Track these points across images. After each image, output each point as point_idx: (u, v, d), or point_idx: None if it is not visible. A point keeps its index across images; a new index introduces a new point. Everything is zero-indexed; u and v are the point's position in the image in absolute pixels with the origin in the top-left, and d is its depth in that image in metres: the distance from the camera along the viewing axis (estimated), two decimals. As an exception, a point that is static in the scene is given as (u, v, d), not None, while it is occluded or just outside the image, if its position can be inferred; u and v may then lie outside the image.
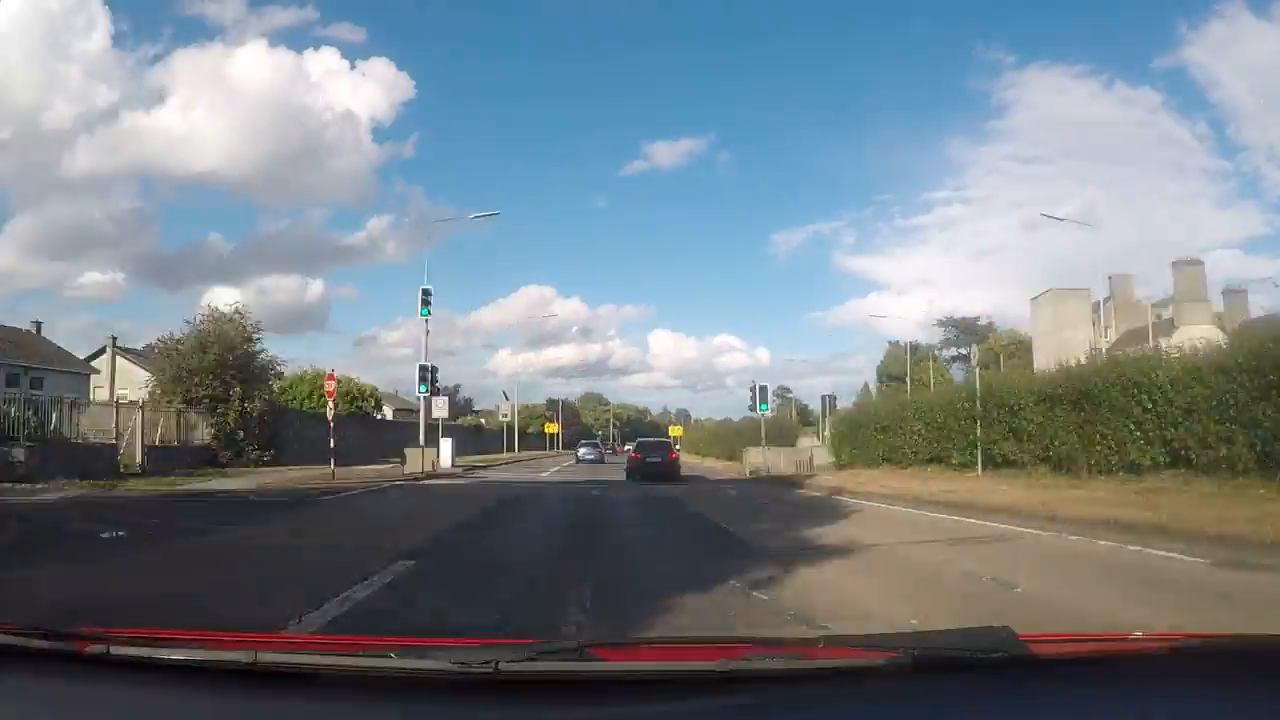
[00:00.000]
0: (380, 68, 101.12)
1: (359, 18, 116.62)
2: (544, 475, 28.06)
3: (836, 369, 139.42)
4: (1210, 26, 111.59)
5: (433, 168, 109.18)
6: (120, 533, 9.36)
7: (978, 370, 22.72)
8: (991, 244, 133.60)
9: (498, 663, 1.38)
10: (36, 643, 1.65)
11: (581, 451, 47.01)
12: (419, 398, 28.16)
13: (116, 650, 1.57)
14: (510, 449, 54.52)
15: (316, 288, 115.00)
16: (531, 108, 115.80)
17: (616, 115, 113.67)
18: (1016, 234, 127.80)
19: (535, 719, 1.37)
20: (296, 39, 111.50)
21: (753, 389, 40.64)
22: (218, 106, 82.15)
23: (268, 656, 1.52)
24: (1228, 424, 12.76)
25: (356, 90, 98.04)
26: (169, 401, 26.22)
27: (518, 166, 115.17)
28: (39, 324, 37.61)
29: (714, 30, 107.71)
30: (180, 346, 27.72)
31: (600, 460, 43.48)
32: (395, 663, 1.49)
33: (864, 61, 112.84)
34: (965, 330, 75.65)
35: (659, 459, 25.24)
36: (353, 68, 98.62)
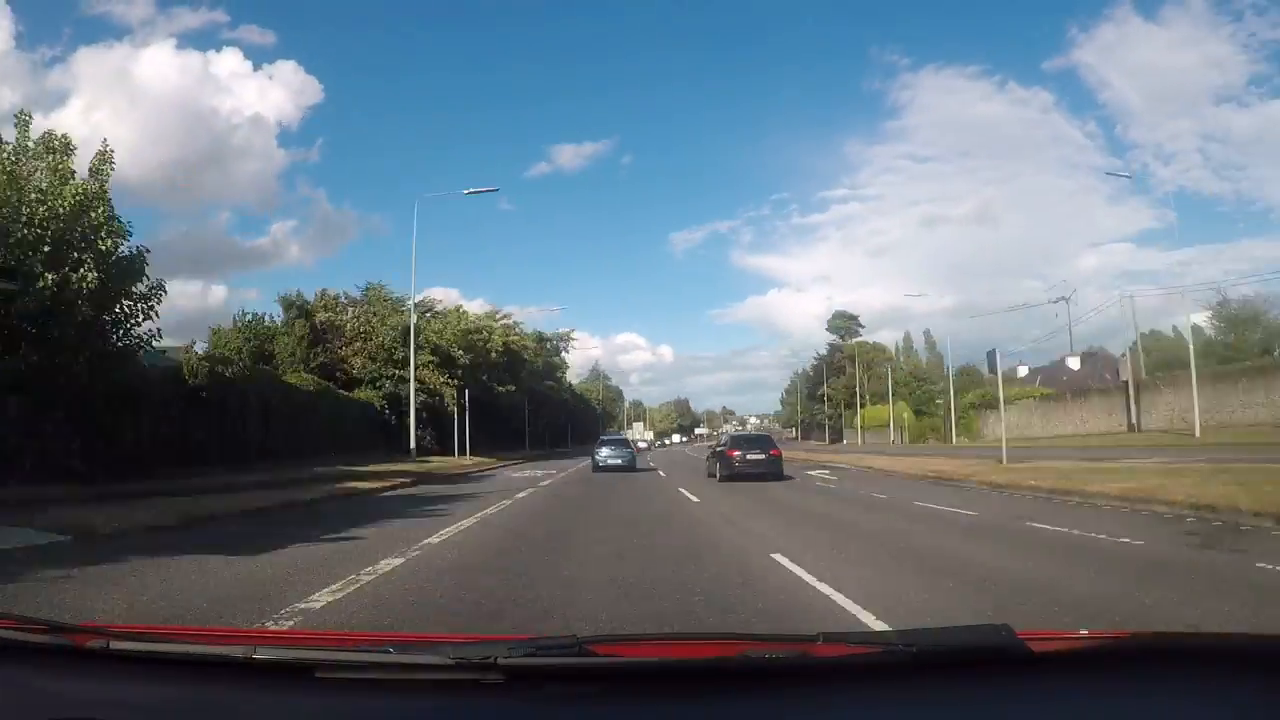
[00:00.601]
0: (288, 71, 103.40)
1: (267, 21, 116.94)
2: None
3: (738, 365, 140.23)
4: (1100, 29, 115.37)
5: (337, 172, 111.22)
6: None
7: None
8: (889, 241, 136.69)
9: (495, 658, 1.38)
10: (36, 637, 1.65)
11: (603, 454, 28.51)
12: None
13: (116, 645, 1.57)
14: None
15: (219, 293, 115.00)
16: (438, 112, 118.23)
17: (521, 120, 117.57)
18: (914, 231, 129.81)
19: (533, 714, 1.37)
20: (204, 41, 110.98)
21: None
22: (119, 109, 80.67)
23: (265, 651, 1.52)
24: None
25: (264, 94, 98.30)
26: None
27: (423, 170, 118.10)
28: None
29: (617, 36, 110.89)
30: None
31: (631, 465, 28.19)
32: (393, 657, 1.49)
33: (762, 64, 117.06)
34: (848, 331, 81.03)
35: (761, 455, 20.52)
36: (257, 69, 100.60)
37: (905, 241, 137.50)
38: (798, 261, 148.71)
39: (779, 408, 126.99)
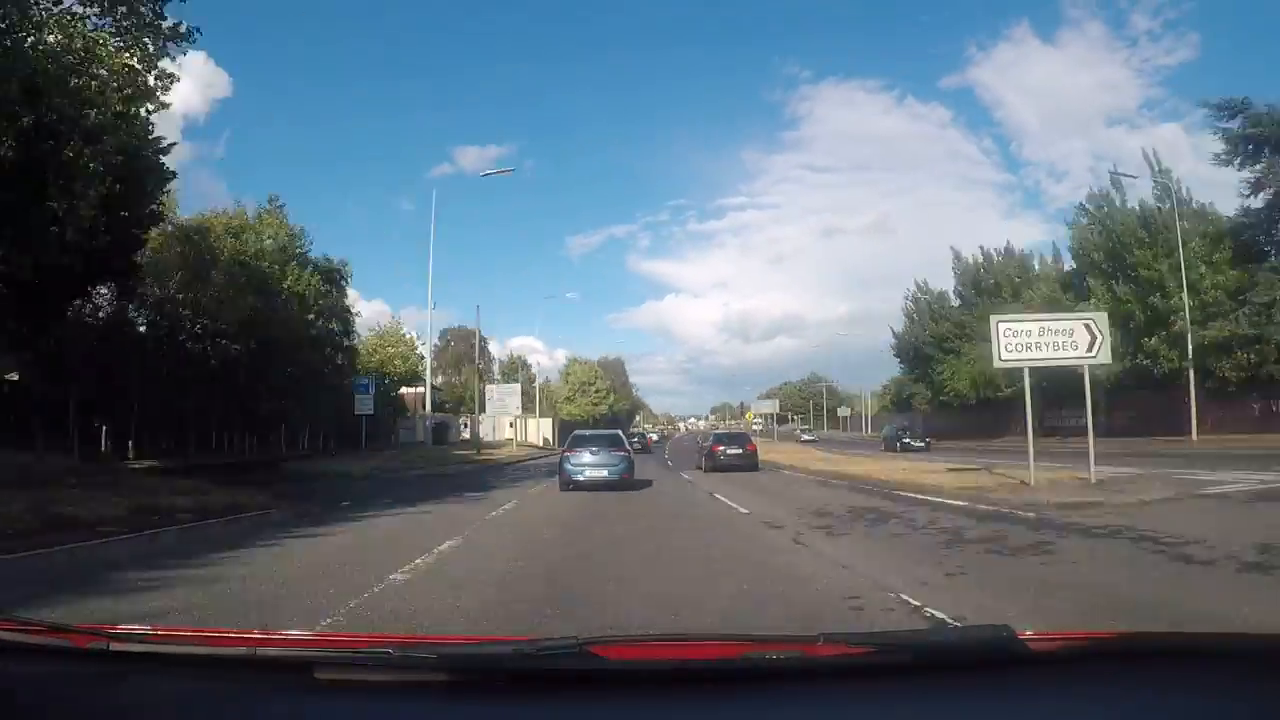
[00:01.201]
0: (199, 63, 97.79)
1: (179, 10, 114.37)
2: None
3: (635, 369, 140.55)
4: (998, 49, 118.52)
5: (242, 167, 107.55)
6: None
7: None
8: (786, 249, 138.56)
9: (496, 659, 1.38)
10: (36, 638, 1.65)
11: (579, 462, 17.01)
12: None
13: (116, 645, 1.57)
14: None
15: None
16: (345, 116, 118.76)
17: (427, 123, 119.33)
18: (811, 240, 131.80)
19: (535, 716, 1.37)
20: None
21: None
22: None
23: (266, 652, 1.52)
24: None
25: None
26: None
27: (327, 167, 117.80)
28: None
29: (523, 44, 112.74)
30: None
31: (626, 479, 16.92)
32: (394, 659, 1.49)
33: (663, 74, 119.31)
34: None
35: (739, 450, 23.97)
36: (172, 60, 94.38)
37: (802, 250, 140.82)
38: (695, 268, 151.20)
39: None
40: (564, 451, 18.35)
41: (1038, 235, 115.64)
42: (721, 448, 24.09)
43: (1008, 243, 52.55)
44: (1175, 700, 1.34)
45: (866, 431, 76.09)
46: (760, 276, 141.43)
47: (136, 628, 1.73)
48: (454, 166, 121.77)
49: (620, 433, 22.07)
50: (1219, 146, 30.01)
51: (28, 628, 1.70)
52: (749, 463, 23.44)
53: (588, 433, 21.13)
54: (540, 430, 60.86)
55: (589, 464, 17.12)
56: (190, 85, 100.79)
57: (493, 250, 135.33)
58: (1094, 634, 1.68)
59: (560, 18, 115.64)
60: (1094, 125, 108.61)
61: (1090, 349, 12.98)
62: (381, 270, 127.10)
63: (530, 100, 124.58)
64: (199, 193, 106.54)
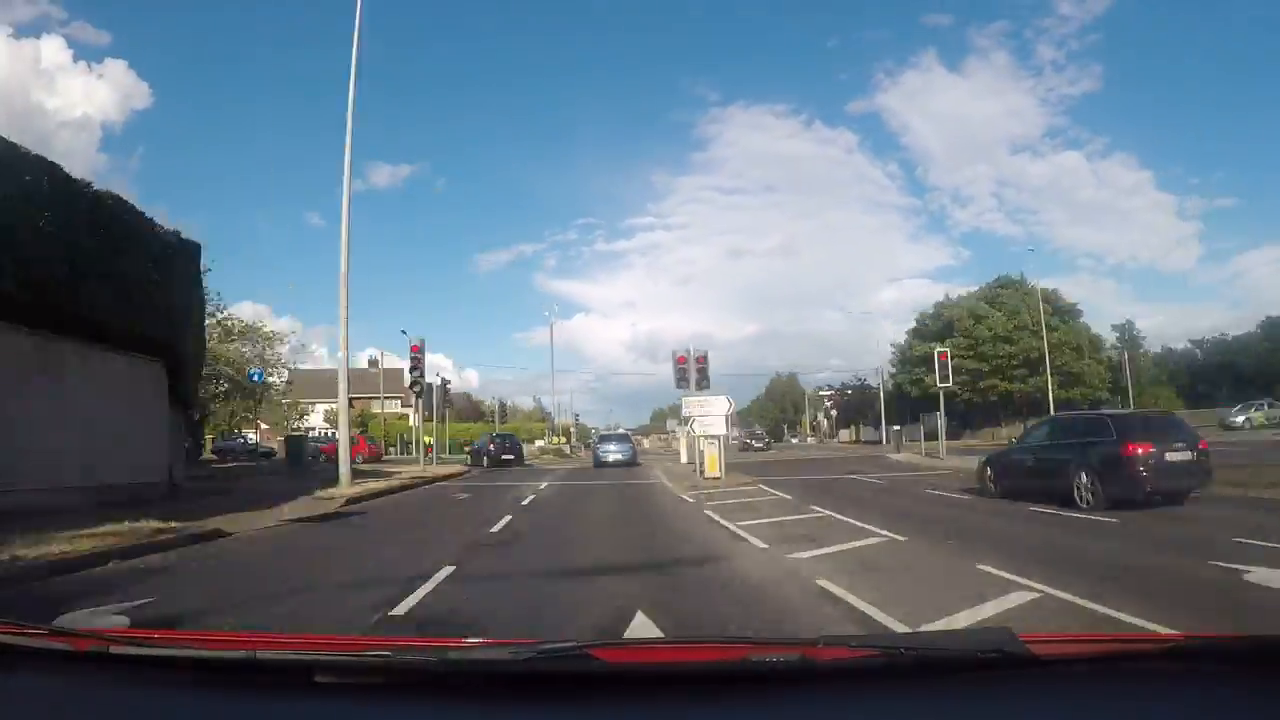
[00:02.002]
0: (118, 71, 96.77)
1: (100, 19, 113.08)
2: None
3: (543, 388, 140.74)
4: (905, 76, 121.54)
5: (155, 181, 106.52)
6: None
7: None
8: (694, 270, 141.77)
9: (495, 662, 1.38)
10: (35, 641, 1.65)
11: (608, 449, 33.43)
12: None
13: (115, 649, 1.57)
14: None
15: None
16: (258, 133, 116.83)
17: (338, 140, 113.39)
18: (719, 261, 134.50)
19: (533, 719, 1.37)
20: (31, 30, 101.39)
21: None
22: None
23: (265, 655, 1.52)
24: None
25: (90, 92, 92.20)
26: None
27: (237, 181, 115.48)
28: None
29: (434, 66, 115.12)
30: None
31: (633, 461, 32.73)
32: (393, 661, 1.49)
33: (571, 95, 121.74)
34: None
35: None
36: (89, 68, 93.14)
37: (710, 270, 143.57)
38: (603, 288, 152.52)
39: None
40: (595, 443, 35.70)
41: (943, 259, 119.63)
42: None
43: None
44: (1175, 701, 1.34)
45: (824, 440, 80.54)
46: (668, 296, 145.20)
47: (137, 631, 1.73)
48: (365, 183, 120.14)
49: (627, 432, 43.86)
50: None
51: (28, 631, 1.70)
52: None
53: (609, 433, 40.36)
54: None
55: (612, 450, 32.77)
56: (109, 93, 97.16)
57: (401, 267, 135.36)
58: (1095, 637, 1.69)
59: (470, 36, 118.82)
60: (998, 152, 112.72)
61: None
62: (296, 287, 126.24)
63: (440, 119, 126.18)
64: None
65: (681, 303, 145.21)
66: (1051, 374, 48.01)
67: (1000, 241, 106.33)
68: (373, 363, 65.02)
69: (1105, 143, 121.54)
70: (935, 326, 59.13)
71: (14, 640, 1.64)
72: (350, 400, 20.31)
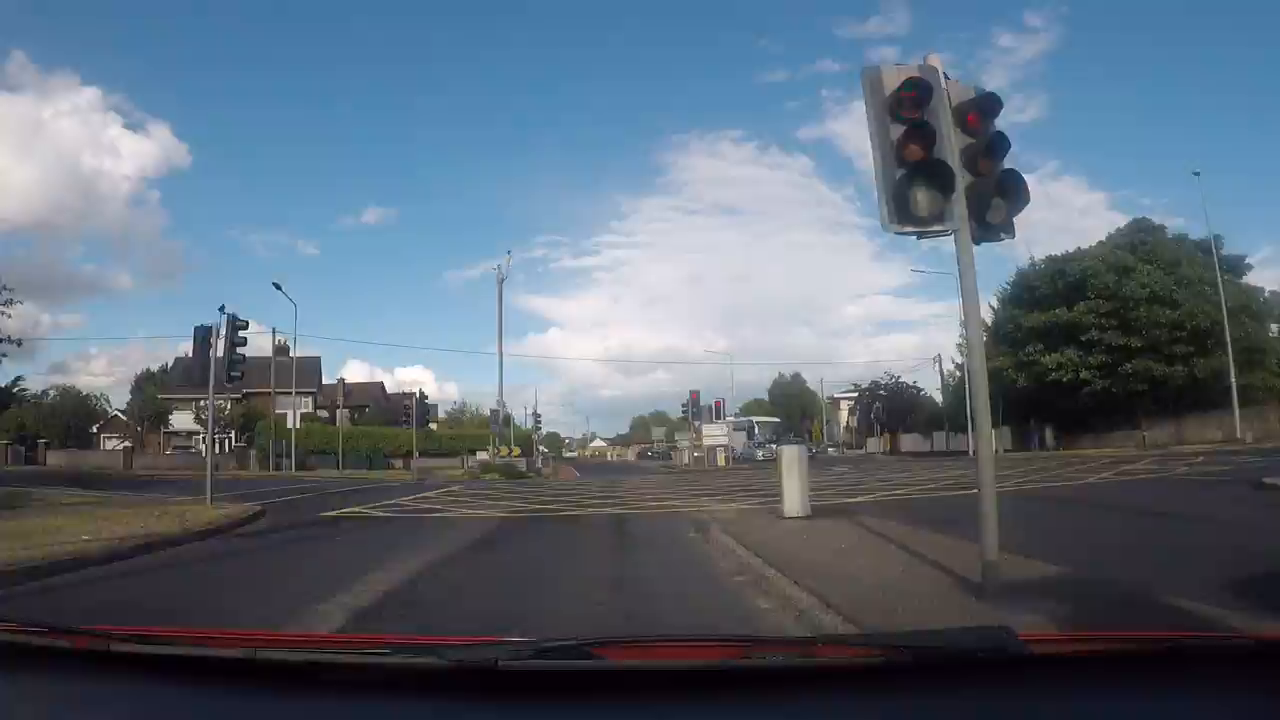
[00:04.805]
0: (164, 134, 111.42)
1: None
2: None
3: (517, 401, 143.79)
4: (854, 104, 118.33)
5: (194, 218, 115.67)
6: None
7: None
8: (662, 286, 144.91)
9: (496, 660, 1.38)
10: (36, 640, 1.65)
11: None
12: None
13: (116, 647, 1.57)
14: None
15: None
16: (272, 170, 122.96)
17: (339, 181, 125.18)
18: (686, 277, 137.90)
19: (534, 717, 1.37)
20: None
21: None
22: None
23: (266, 653, 1.52)
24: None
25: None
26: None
27: (254, 220, 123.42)
28: None
29: (409, 110, 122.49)
30: None
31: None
32: (392, 660, 1.49)
33: (533, 111, 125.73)
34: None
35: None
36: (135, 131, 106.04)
37: (678, 287, 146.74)
38: (573, 303, 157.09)
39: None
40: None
41: (906, 279, 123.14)
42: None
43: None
44: (1175, 701, 1.34)
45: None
46: (637, 311, 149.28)
47: (137, 630, 1.73)
48: (357, 219, 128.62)
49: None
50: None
51: (28, 629, 1.70)
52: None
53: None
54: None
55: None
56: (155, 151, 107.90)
57: (378, 287, 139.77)
58: (1094, 635, 1.68)
59: (434, 60, 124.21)
60: None
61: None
62: (285, 309, 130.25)
63: (404, 138, 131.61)
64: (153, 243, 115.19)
65: (650, 318, 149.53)
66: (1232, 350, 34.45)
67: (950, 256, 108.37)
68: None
69: (1056, 165, 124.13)
70: (1053, 288, 41.16)
71: (14, 640, 1.64)
72: (243, 394, 18.25)
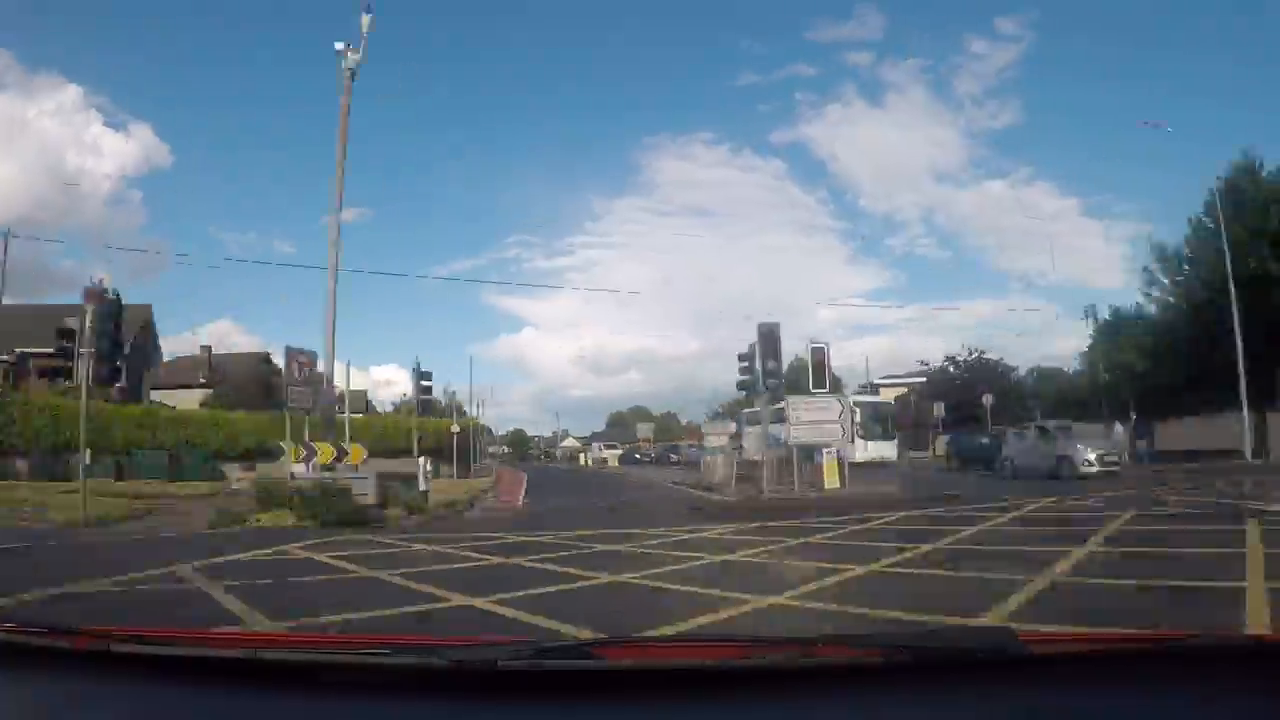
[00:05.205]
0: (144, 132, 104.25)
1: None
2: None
3: (496, 400, 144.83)
4: (829, 108, 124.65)
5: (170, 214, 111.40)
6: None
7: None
8: (635, 287, 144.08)
9: (496, 661, 1.38)
10: (36, 640, 1.65)
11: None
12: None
13: (116, 647, 1.57)
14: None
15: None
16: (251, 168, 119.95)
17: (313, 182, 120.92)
18: (658, 278, 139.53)
19: (535, 718, 1.37)
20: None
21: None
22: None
23: (267, 654, 1.52)
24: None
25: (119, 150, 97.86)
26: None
27: (227, 216, 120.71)
28: None
29: (387, 114, 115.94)
30: None
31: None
32: (393, 660, 1.49)
33: (503, 112, 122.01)
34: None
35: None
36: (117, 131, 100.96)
37: (651, 288, 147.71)
38: (546, 304, 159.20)
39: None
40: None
41: (881, 282, 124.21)
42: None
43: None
44: (1175, 701, 1.34)
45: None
46: (610, 312, 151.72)
47: (138, 631, 1.73)
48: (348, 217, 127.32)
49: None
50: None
51: (29, 630, 1.70)
52: None
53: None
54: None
55: None
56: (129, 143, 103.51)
57: (352, 283, 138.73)
58: (1095, 635, 1.69)
59: (406, 60, 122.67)
60: (923, 181, 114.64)
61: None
62: (258, 305, 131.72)
63: (378, 151, 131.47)
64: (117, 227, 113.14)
65: (624, 318, 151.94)
66: None
67: (933, 264, 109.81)
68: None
69: (1029, 172, 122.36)
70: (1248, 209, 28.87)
71: (14, 640, 1.64)
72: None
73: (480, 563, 8.89)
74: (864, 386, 56.26)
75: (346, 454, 16.12)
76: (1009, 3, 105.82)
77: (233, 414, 32.83)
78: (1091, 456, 22.70)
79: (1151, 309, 35.98)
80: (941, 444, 39.88)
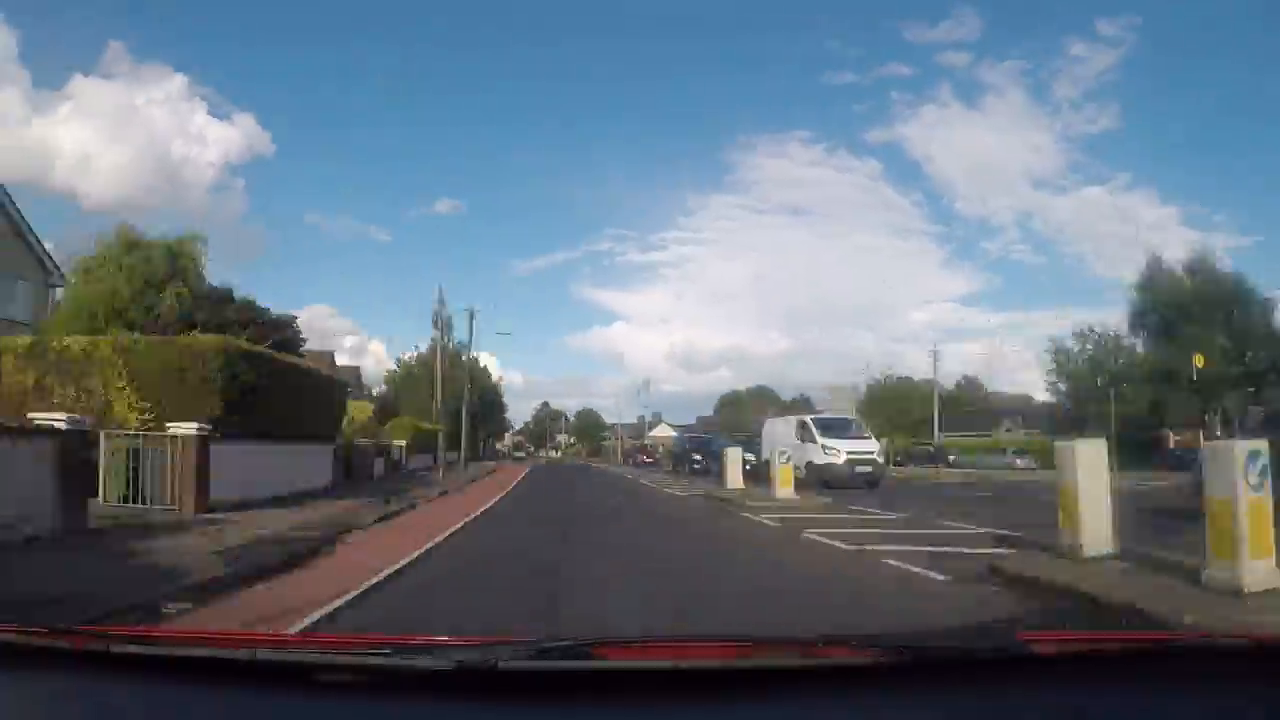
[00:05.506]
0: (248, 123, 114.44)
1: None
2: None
3: (580, 392, 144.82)
4: (924, 109, 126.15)
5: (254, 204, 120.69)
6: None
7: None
8: (727, 284, 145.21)
9: (496, 661, 1.38)
10: (36, 640, 1.65)
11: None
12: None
13: (116, 647, 1.57)
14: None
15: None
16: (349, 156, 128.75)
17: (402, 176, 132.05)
18: (750, 277, 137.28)
19: (534, 718, 1.37)
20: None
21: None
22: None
23: (266, 654, 1.52)
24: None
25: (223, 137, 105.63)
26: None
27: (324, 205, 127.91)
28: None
29: (482, 107, 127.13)
30: None
31: None
32: (392, 661, 1.49)
33: (599, 108, 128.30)
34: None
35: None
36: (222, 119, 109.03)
37: (742, 285, 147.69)
38: (639, 298, 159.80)
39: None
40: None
41: (976, 286, 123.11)
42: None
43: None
44: (1175, 701, 1.34)
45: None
46: (702, 308, 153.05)
47: (137, 631, 1.73)
48: (428, 208, 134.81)
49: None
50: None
51: (28, 630, 1.70)
52: None
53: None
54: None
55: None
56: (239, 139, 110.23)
57: (445, 274, 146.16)
58: (1094, 635, 1.68)
59: (510, 58, 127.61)
60: (1019, 186, 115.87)
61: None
62: (357, 291, 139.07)
63: (478, 142, 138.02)
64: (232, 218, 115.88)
65: (714, 315, 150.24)
66: None
67: (1029, 270, 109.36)
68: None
69: (1128, 178, 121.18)
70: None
71: (14, 640, 1.64)
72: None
73: None
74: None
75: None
76: (1110, 5, 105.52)
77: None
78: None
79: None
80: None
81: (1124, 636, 1.64)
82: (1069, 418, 46.77)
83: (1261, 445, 5.76)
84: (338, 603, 6.51)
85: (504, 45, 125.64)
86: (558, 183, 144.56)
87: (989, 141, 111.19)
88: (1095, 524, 7.57)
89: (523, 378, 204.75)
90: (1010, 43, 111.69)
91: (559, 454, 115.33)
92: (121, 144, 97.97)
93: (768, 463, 19.24)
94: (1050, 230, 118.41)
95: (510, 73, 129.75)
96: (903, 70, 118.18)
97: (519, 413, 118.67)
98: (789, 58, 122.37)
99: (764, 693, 1.38)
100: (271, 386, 16.13)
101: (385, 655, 1.52)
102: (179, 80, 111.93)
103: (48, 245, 26.31)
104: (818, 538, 10.93)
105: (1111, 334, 50.70)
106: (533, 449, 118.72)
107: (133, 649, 1.58)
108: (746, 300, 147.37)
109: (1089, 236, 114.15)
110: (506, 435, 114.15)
